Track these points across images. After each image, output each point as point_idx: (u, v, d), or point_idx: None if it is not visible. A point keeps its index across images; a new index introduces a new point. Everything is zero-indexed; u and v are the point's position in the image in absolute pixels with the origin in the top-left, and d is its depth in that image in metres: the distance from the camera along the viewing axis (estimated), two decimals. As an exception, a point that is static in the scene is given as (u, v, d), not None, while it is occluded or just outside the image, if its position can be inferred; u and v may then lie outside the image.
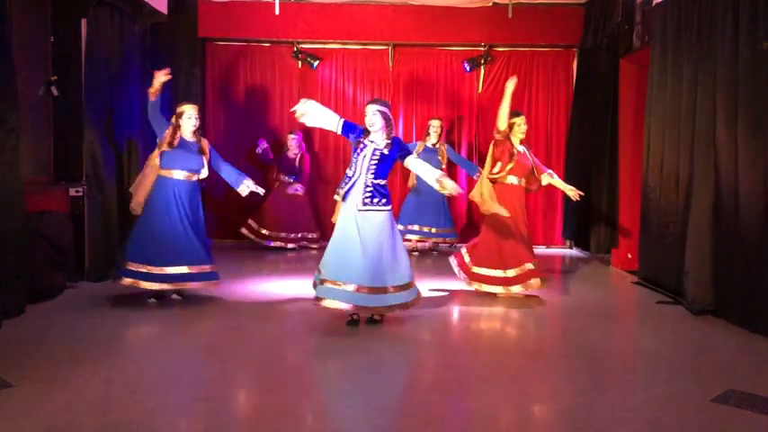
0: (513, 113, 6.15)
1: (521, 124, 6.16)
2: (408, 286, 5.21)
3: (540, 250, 9.50)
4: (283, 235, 8.92)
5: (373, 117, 5.12)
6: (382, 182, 5.14)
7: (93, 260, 6.75)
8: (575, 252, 9.44)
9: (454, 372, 4.36)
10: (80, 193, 6.67)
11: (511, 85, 5.99)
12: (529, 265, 6.12)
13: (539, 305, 6.12)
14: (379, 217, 5.11)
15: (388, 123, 5.18)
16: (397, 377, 4.36)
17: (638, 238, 7.31)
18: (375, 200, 5.10)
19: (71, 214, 6.58)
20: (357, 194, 5.10)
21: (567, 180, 9.39)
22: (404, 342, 5.09)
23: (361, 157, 5.14)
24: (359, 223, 5.07)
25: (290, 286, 6.71)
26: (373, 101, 5.31)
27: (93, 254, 6.77)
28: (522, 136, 6.20)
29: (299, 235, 9.00)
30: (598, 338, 5.13)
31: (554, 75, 9.70)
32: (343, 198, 5.17)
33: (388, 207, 5.17)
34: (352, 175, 5.14)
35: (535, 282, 6.11)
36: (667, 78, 6.49)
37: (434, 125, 8.71)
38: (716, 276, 5.62)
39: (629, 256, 7.79)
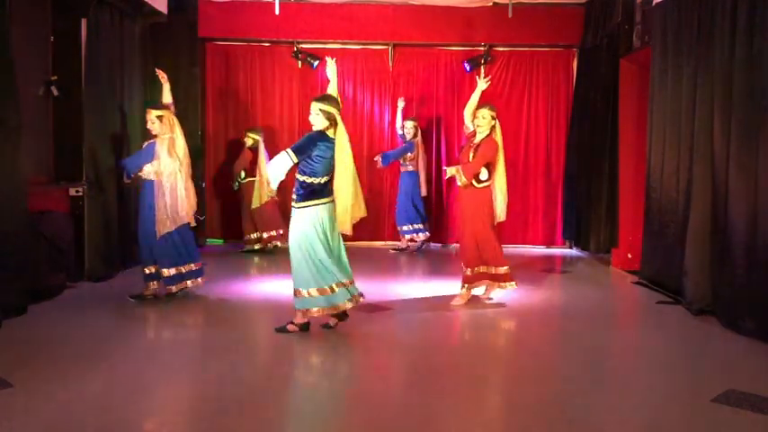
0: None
1: (479, 116, 5.99)
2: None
3: (540, 250, 9.55)
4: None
5: (314, 117, 4.98)
6: (307, 179, 4.96)
7: (93, 260, 6.76)
8: (575, 252, 9.43)
9: (453, 372, 4.36)
10: (80, 193, 6.68)
11: (482, 85, 6.21)
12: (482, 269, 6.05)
13: (538, 305, 6.12)
14: (296, 215, 5.01)
15: (329, 119, 4.94)
16: (397, 377, 4.36)
17: (638, 238, 7.31)
18: (295, 196, 5.03)
19: (71, 214, 6.59)
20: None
21: (567, 180, 9.46)
22: (403, 342, 5.09)
23: None
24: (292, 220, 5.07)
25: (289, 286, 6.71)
26: (315, 98, 5.06)
27: (93, 254, 6.78)
28: (481, 128, 5.97)
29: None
30: (598, 338, 5.13)
31: (554, 75, 9.69)
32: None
33: (302, 204, 4.98)
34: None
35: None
36: (668, 78, 6.49)
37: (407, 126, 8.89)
38: (713, 277, 5.62)
39: (629, 256, 7.78)
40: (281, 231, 8.57)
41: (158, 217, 5.81)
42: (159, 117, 5.88)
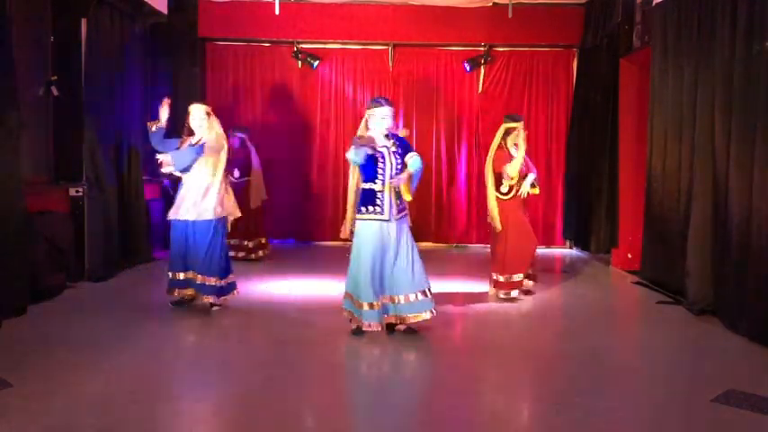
0: (510, 118, 6.12)
1: (521, 137, 5.98)
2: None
3: (540, 250, 9.52)
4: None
5: (383, 121, 4.88)
6: None
7: (93, 260, 6.75)
8: (575, 252, 9.43)
9: (454, 372, 4.36)
10: (80, 193, 6.68)
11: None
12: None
13: (538, 305, 6.13)
14: (405, 222, 5.03)
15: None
16: (397, 377, 4.36)
17: (638, 237, 7.31)
18: (401, 206, 4.97)
19: (71, 214, 6.59)
20: (389, 206, 4.87)
21: (567, 180, 9.46)
22: (402, 343, 5.09)
23: (387, 168, 4.87)
24: (393, 234, 4.88)
25: (287, 286, 6.72)
26: (385, 103, 4.94)
27: (93, 254, 6.77)
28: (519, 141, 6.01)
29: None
30: (598, 338, 5.13)
31: (554, 75, 9.70)
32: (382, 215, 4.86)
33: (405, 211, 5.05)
34: (382, 189, 4.86)
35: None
36: (668, 78, 6.49)
37: None
38: (714, 277, 5.62)
39: (629, 256, 7.78)
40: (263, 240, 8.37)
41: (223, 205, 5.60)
42: (209, 114, 5.67)
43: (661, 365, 4.48)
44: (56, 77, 6.48)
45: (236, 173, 7.95)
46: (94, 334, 4.95)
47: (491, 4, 9.21)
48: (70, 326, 5.15)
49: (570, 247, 9.66)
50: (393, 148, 4.92)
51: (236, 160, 8.09)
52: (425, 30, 9.40)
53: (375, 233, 4.85)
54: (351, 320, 5.01)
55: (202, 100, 9.22)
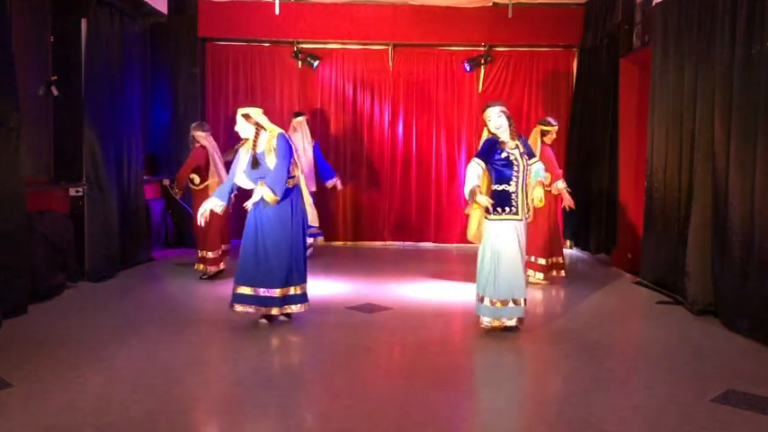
0: (546, 122, 7.01)
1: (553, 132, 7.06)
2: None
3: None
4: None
5: (499, 119, 5.08)
6: None
7: (93, 260, 6.76)
8: (575, 252, 9.43)
9: (453, 371, 4.36)
10: (80, 193, 6.68)
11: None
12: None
13: (538, 305, 6.13)
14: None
15: (511, 122, 5.15)
16: (397, 377, 4.36)
17: (638, 237, 7.31)
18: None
19: (71, 214, 6.59)
20: (522, 206, 5.02)
21: (568, 180, 9.43)
22: (401, 342, 5.09)
23: (522, 168, 5.02)
24: (522, 236, 5.03)
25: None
26: (491, 104, 5.25)
27: (93, 254, 6.78)
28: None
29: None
30: (598, 338, 5.13)
31: (554, 75, 9.70)
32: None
33: None
34: (516, 190, 4.99)
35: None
36: (668, 78, 6.49)
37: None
38: (714, 277, 5.62)
39: (629, 256, 7.78)
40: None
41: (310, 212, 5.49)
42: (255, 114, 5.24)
43: (661, 365, 4.48)
44: (56, 77, 6.48)
45: (197, 179, 7.02)
46: (94, 334, 4.95)
47: (491, 4, 9.21)
48: (70, 326, 5.15)
49: (570, 247, 9.64)
50: (521, 149, 5.10)
51: (193, 162, 7.00)
52: (425, 30, 9.40)
53: (511, 232, 4.97)
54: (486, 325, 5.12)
55: (202, 100, 9.32)
